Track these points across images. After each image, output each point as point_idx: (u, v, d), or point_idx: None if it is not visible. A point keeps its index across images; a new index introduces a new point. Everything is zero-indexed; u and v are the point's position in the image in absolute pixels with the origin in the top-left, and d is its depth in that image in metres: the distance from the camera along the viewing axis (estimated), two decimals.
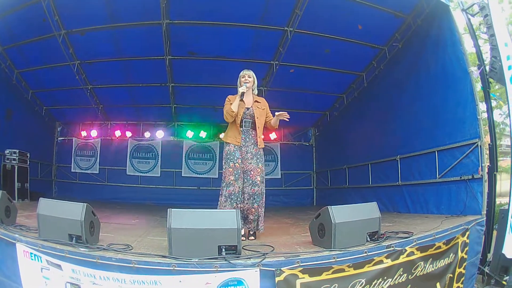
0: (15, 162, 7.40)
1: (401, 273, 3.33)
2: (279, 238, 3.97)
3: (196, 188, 10.63)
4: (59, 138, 11.03)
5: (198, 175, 10.88)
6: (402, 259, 3.34)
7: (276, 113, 4.08)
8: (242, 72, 4.26)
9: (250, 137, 4.13)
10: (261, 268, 2.80)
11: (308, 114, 10.23)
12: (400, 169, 6.39)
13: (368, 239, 3.33)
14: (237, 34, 6.72)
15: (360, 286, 3.09)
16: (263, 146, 4.21)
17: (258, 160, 4.08)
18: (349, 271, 3.05)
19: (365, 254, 3.10)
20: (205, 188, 10.51)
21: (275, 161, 11.04)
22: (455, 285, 3.89)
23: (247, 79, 4.16)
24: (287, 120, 4.08)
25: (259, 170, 4.05)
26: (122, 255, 2.92)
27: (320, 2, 5.63)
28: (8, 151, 7.40)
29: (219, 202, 4.06)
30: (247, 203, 4.00)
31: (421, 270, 3.50)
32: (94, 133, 10.74)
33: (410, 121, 6.03)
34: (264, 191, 4.11)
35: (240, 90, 4.05)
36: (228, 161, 4.03)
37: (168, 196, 10.09)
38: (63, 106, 9.97)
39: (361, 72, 7.82)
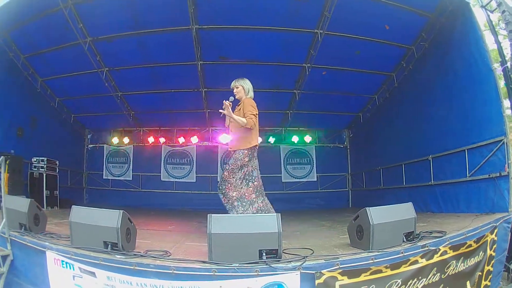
0: (43, 170, 7.40)
1: (435, 272, 3.32)
2: (318, 240, 3.97)
3: None
4: (89, 146, 10.99)
5: None
6: (436, 258, 3.33)
7: None
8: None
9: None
10: (302, 271, 2.79)
11: (341, 116, 10.18)
12: (432, 168, 6.34)
13: (404, 239, 3.34)
14: (267, 38, 6.70)
15: (396, 286, 3.08)
16: (233, 149, 4.37)
17: (228, 163, 4.34)
18: (386, 271, 3.04)
19: (402, 255, 3.10)
20: None
21: (311, 164, 10.88)
22: (483, 283, 3.87)
23: (235, 91, 4.50)
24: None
25: (226, 173, 4.26)
26: (160, 262, 2.93)
27: (347, 3, 5.64)
28: (35, 159, 7.40)
29: None
30: None
31: (453, 269, 3.48)
32: (126, 139, 10.66)
33: (440, 120, 5.99)
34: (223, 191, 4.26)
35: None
36: None
37: (204, 202, 9.98)
38: (92, 113, 9.96)
39: (391, 72, 7.76)
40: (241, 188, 4.13)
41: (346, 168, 10.97)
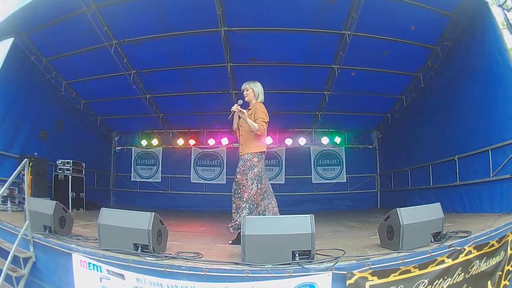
0: (68, 172, 7.42)
1: (459, 272, 3.33)
2: (348, 241, 3.99)
3: None
4: (116, 148, 11.04)
5: None
6: (461, 258, 3.33)
7: None
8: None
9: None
10: (334, 271, 2.81)
11: (370, 116, 10.14)
12: (458, 169, 6.31)
13: (432, 239, 3.35)
14: (296, 39, 6.69)
15: (423, 286, 3.10)
16: (242, 154, 4.34)
17: (238, 166, 4.30)
18: (414, 272, 3.06)
19: (429, 255, 3.11)
20: None
21: (341, 165, 10.83)
22: (503, 282, 3.87)
23: (245, 93, 4.45)
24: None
25: (239, 176, 4.26)
26: (192, 263, 2.95)
27: (373, 4, 5.61)
28: (60, 161, 7.42)
29: None
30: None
31: (476, 269, 3.49)
32: (155, 141, 10.68)
33: (465, 120, 5.96)
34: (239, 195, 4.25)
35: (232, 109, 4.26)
36: None
37: None
38: (120, 115, 10.01)
39: (418, 73, 7.71)
40: (252, 189, 4.11)
41: (375, 169, 10.89)
